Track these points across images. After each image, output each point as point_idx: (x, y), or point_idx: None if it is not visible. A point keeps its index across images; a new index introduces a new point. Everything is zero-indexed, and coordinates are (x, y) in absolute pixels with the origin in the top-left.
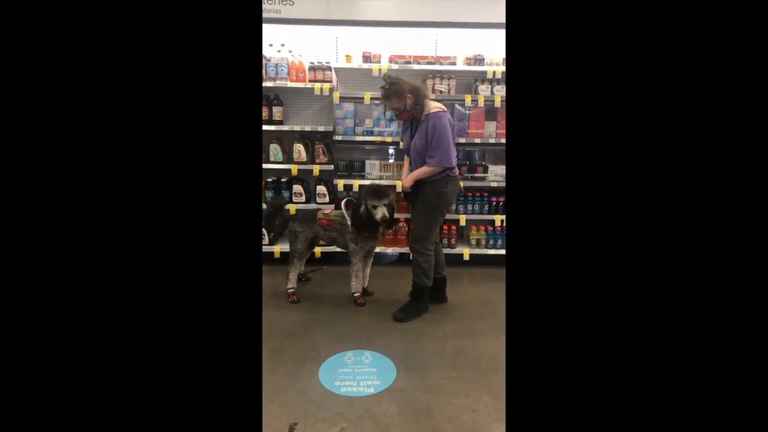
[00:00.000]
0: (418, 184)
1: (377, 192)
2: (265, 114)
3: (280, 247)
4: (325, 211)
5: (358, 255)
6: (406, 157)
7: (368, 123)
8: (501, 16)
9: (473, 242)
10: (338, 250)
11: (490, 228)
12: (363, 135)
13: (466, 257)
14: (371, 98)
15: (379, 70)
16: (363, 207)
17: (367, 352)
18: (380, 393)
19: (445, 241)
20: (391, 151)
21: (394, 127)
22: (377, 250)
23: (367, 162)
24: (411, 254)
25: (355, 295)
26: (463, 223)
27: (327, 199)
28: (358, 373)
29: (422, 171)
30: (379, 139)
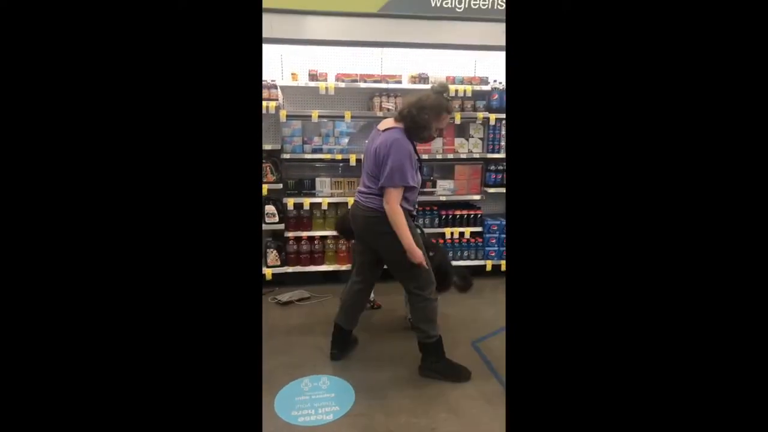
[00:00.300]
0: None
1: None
2: None
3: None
4: None
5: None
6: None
7: (317, 141)
8: (443, 37)
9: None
10: (288, 270)
11: (441, 240)
12: (312, 153)
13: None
14: (319, 116)
15: (326, 88)
16: None
17: (324, 377)
18: (339, 419)
19: None
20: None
21: (345, 144)
22: None
23: (317, 180)
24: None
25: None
26: None
27: (276, 219)
28: (315, 400)
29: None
30: (328, 156)
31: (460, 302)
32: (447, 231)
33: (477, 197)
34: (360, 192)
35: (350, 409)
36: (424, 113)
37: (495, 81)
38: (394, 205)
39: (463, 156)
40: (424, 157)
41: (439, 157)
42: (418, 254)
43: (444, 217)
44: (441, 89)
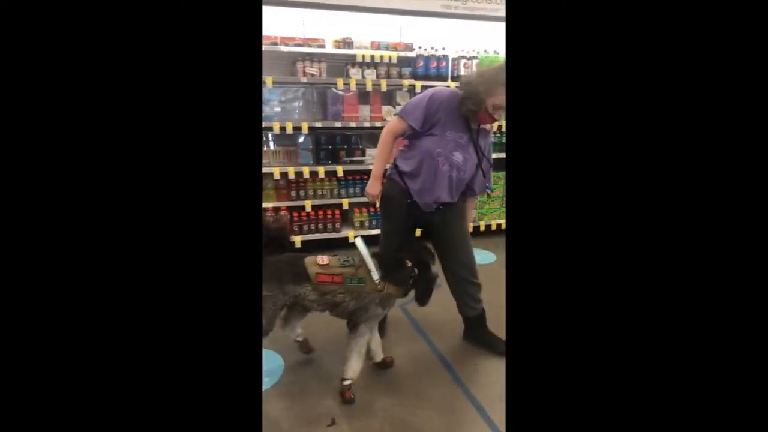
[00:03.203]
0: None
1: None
2: None
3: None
4: (321, 261)
5: (375, 321)
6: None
7: None
8: (367, 1)
9: (357, 224)
10: None
11: (372, 209)
12: None
13: (351, 239)
14: None
15: None
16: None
17: None
18: (271, 389)
19: (329, 225)
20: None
21: (269, 111)
22: None
23: None
24: (460, 285)
25: (346, 383)
26: (346, 206)
27: None
28: None
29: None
30: None
31: None
32: None
33: None
34: None
35: (281, 379)
36: (480, 82)
37: (420, 47)
38: (385, 129)
39: None
40: (352, 125)
41: (367, 125)
42: (372, 189)
43: None
44: None
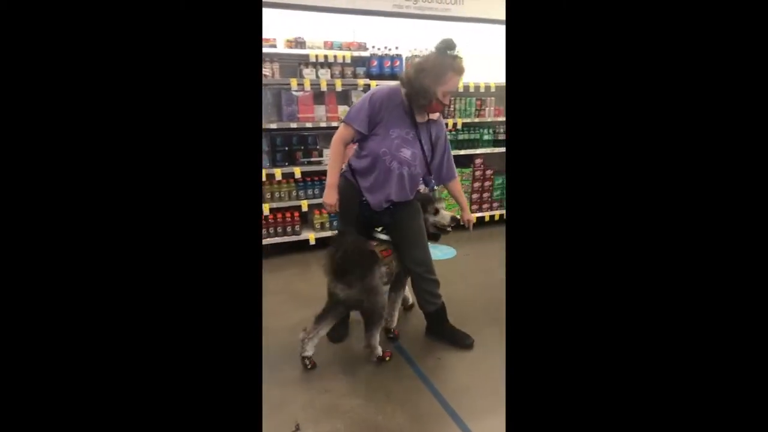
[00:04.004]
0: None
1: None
2: None
3: None
4: (371, 244)
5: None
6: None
7: None
8: (319, 0)
9: (317, 226)
10: None
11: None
12: None
13: (312, 242)
14: None
15: None
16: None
17: None
18: None
19: (289, 228)
20: None
21: None
22: None
23: None
24: (417, 282)
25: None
26: (305, 208)
27: None
28: None
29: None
30: None
31: None
32: None
33: None
34: None
35: None
36: (423, 76)
37: (373, 47)
38: (334, 138)
39: None
40: (308, 125)
41: (323, 125)
42: (328, 198)
43: None
44: (444, 46)
